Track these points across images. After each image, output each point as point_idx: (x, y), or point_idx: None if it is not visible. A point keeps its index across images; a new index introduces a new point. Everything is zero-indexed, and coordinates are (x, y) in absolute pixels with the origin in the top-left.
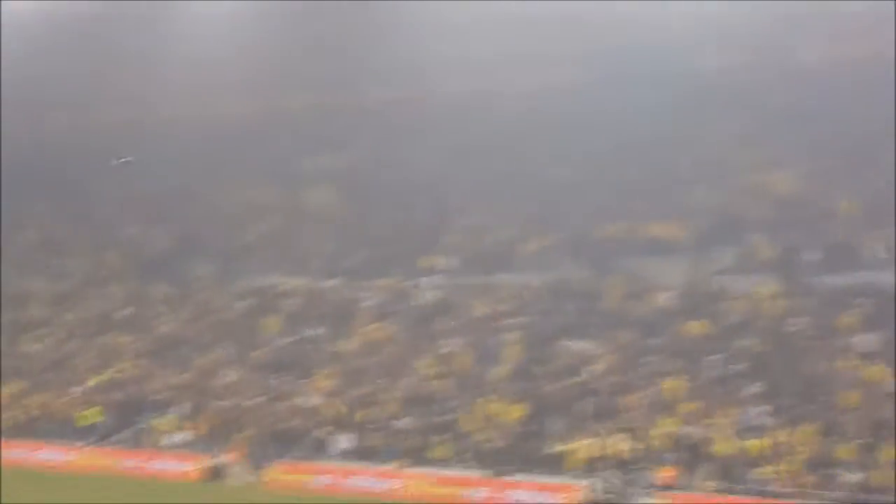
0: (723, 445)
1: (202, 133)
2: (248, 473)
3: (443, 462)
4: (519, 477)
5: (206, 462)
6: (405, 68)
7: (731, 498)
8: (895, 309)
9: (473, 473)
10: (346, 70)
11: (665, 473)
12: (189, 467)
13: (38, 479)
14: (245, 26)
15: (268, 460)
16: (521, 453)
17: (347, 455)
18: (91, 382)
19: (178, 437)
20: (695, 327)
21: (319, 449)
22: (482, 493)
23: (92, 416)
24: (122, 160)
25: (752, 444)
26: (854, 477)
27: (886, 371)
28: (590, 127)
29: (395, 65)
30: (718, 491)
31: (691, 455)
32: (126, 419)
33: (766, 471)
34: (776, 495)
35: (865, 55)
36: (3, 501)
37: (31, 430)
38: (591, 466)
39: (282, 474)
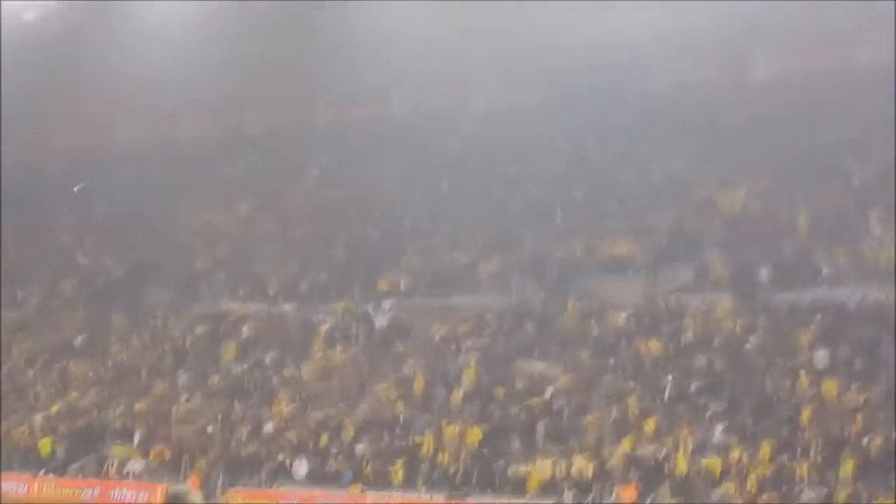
0: (682, 464)
1: (157, 157)
2: (207, 500)
3: (403, 486)
4: (479, 499)
5: (166, 490)
6: (361, 88)
7: None
8: (852, 325)
9: (433, 496)
10: (301, 90)
11: (625, 493)
12: (148, 495)
13: None
14: (200, 48)
15: (227, 487)
16: (481, 475)
17: (307, 480)
18: (51, 410)
19: (137, 465)
20: (652, 346)
21: (278, 475)
22: None
23: (50, 444)
24: (78, 187)
25: (712, 462)
26: (814, 493)
27: (844, 386)
28: (546, 147)
29: (351, 85)
30: None
31: (651, 474)
32: (85, 447)
33: (727, 488)
34: None
35: (820, 70)
36: None
37: None
38: (551, 487)
39: (241, 500)
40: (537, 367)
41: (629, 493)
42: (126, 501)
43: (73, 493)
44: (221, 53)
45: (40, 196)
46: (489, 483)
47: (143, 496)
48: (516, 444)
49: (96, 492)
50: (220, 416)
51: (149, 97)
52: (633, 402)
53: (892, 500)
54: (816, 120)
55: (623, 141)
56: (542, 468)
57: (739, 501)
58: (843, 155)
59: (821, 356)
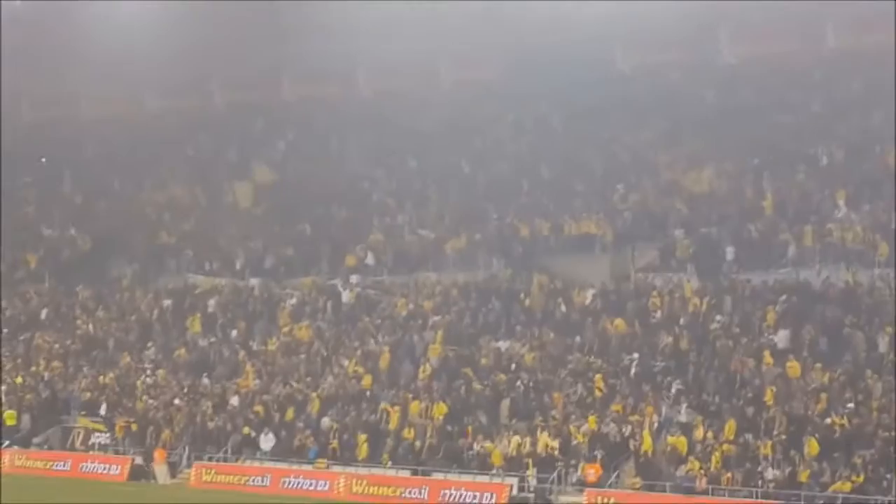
0: (647, 441)
1: (122, 133)
2: (172, 474)
3: (368, 461)
4: (444, 476)
5: (131, 462)
6: (326, 66)
7: (655, 495)
8: (817, 305)
9: (398, 472)
10: (266, 68)
11: (590, 471)
12: (114, 468)
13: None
14: (165, 25)
15: (192, 460)
16: (446, 451)
17: (271, 454)
18: (15, 381)
19: (102, 438)
20: (618, 324)
21: (244, 448)
22: (410, 491)
23: (14, 416)
24: (42, 159)
25: (676, 440)
26: (777, 472)
27: (808, 366)
28: (512, 126)
29: (316, 63)
30: (643, 488)
31: (616, 452)
32: (49, 419)
33: (691, 466)
34: (700, 492)
35: (787, 53)
36: None
37: None
38: (516, 464)
39: (206, 474)
40: (503, 344)
41: (594, 470)
42: (93, 472)
43: (45, 466)
44: (188, 31)
45: (5, 169)
46: (455, 459)
47: (109, 468)
48: (482, 420)
49: (67, 464)
50: (185, 390)
51: (115, 73)
52: (598, 380)
53: (855, 479)
54: (783, 102)
55: (590, 120)
56: (507, 444)
57: (703, 480)
58: (808, 137)
59: (785, 336)
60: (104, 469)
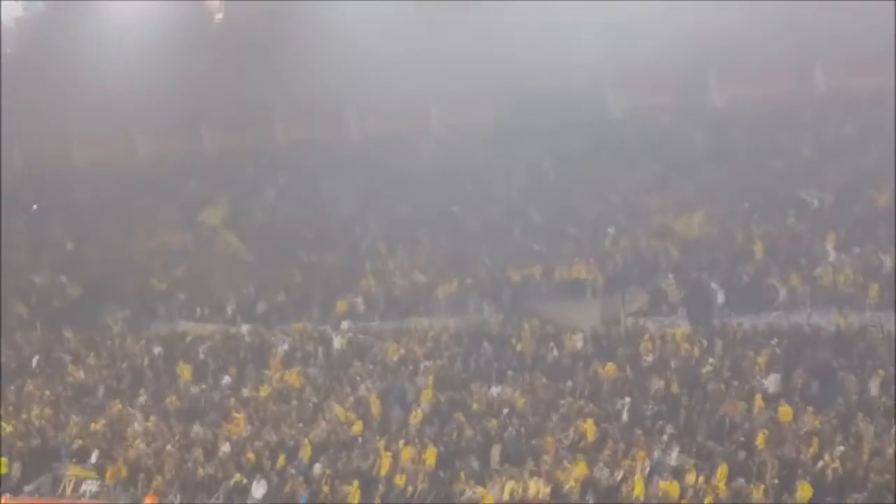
0: (639, 486)
1: (114, 177)
2: None
3: None
4: None
5: None
6: (317, 110)
7: None
8: (808, 349)
9: None
10: (258, 111)
11: None
12: None
13: None
14: (156, 67)
15: None
16: (437, 497)
17: (263, 501)
18: (5, 429)
19: (93, 485)
20: (609, 369)
21: (235, 495)
22: None
23: (5, 463)
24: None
25: (668, 485)
26: None
27: (800, 410)
28: (504, 169)
29: (307, 107)
30: None
31: (607, 497)
32: (40, 467)
33: None
34: None
35: (776, 96)
36: None
37: None
38: None
39: None
40: (494, 389)
41: None
42: None
43: None
44: (179, 74)
45: None
46: None
47: None
48: (473, 465)
49: None
50: (177, 436)
51: (106, 117)
52: (589, 425)
53: None
54: (773, 145)
55: (580, 164)
56: (499, 490)
57: None
58: (798, 180)
59: (776, 380)
60: None
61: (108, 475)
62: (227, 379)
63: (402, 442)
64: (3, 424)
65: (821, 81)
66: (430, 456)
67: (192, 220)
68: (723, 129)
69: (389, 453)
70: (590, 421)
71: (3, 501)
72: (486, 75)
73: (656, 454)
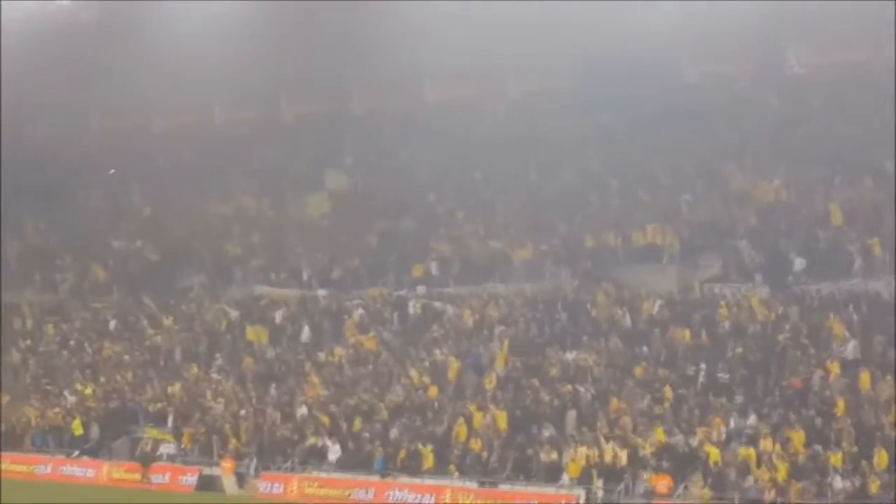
0: (715, 452)
1: (191, 143)
2: (239, 484)
3: (434, 471)
4: (509, 487)
5: (199, 473)
6: (395, 77)
7: None
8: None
9: (465, 483)
10: (335, 80)
11: (660, 482)
12: (182, 478)
13: (33, 489)
14: (234, 35)
15: (259, 469)
16: (512, 463)
17: (337, 465)
18: (84, 392)
19: (170, 448)
20: (685, 335)
21: (310, 458)
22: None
23: (82, 426)
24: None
25: (745, 451)
26: (847, 483)
27: (878, 377)
28: (579, 135)
29: (386, 73)
30: (712, 499)
31: (684, 462)
32: (117, 429)
33: (760, 478)
34: (769, 503)
35: (854, 63)
36: None
37: (23, 440)
38: (583, 476)
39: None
40: (569, 354)
41: (663, 481)
42: (161, 483)
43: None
44: (257, 42)
45: (75, 180)
46: (521, 470)
47: (177, 479)
48: (548, 431)
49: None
50: (253, 400)
51: (184, 85)
52: (665, 391)
53: None
54: (851, 112)
55: (656, 130)
56: (573, 456)
57: (772, 491)
58: (876, 147)
59: (854, 346)
60: (168, 479)
61: (184, 438)
62: (302, 343)
63: (476, 406)
64: (82, 387)
65: None
66: (506, 420)
67: (269, 187)
68: (800, 95)
69: (465, 418)
70: (666, 387)
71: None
72: (563, 42)
73: (732, 420)
